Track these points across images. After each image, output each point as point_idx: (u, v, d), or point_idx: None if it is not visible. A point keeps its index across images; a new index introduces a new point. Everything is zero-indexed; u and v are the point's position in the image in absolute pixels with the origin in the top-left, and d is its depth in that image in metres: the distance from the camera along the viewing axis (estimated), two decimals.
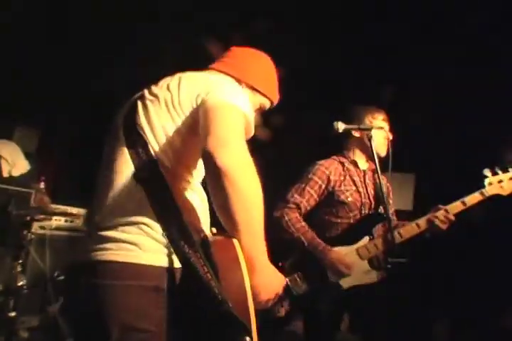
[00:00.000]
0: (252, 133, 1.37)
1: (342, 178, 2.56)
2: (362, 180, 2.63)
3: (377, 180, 2.42)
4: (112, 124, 1.45)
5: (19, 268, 3.04)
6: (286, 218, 2.47)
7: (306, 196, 2.51)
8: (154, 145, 1.30)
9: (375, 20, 3.72)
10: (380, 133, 2.56)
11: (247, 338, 1.07)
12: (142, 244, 1.23)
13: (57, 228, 3.65)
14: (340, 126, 2.32)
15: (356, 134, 2.61)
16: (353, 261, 2.42)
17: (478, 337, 3.32)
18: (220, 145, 1.16)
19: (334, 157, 2.67)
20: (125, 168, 1.31)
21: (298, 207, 2.50)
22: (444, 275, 3.63)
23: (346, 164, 2.63)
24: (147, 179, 1.26)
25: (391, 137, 2.57)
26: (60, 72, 4.12)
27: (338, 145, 2.73)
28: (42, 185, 3.55)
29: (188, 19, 3.80)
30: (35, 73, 4.07)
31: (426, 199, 2.83)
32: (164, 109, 1.33)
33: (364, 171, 2.66)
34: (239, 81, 1.57)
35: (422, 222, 2.48)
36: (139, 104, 1.39)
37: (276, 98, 1.71)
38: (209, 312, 1.11)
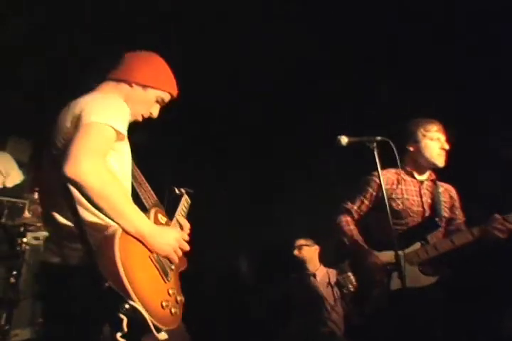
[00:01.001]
0: (125, 135, 1.66)
1: (394, 187, 2.68)
2: (417, 189, 2.71)
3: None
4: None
5: (13, 280, 3.01)
6: (337, 221, 2.70)
7: (358, 202, 2.71)
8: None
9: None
10: (435, 144, 2.66)
11: (127, 305, 1.36)
12: None
13: None
14: (343, 140, 2.33)
15: (411, 148, 2.72)
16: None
17: None
18: (66, 162, 1.44)
19: (391, 168, 2.76)
20: None
21: (349, 212, 2.71)
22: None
23: (402, 175, 2.74)
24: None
25: (447, 147, 2.66)
26: (55, 80, 4.12)
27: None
28: (35, 196, 3.53)
29: None
30: (27, 82, 4.07)
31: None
32: (60, 130, 1.64)
33: (421, 181, 2.75)
34: (129, 83, 1.82)
35: (477, 230, 2.50)
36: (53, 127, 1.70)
37: (172, 89, 1.93)
38: (93, 292, 1.40)
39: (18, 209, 3.41)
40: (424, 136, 2.67)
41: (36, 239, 3.48)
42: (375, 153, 2.28)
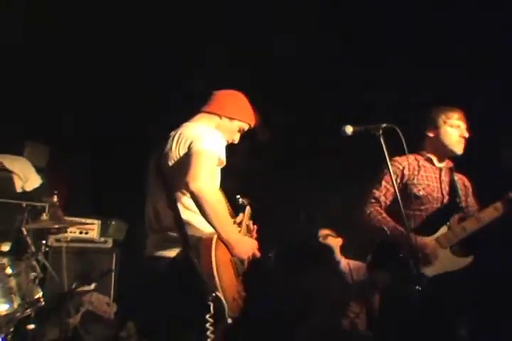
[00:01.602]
0: (224, 162, 2.14)
1: (416, 173, 2.69)
2: (437, 176, 2.73)
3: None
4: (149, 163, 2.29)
5: (37, 281, 3.07)
6: (368, 211, 2.64)
7: (384, 190, 2.67)
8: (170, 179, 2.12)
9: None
10: (455, 131, 2.68)
11: (214, 294, 1.83)
12: None
13: (73, 240, 3.69)
14: (348, 129, 2.31)
15: (430, 134, 2.73)
16: (435, 250, 2.49)
17: None
18: (191, 179, 1.92)
19: (410, 154, 2.75)
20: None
21: (377, 200, 2.67)
22: None
23: (421, 161, 2.75)
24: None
25: (467, 135, 2.68)
26: (70, 86, 4.17)
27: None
28: (55, 199, 3.59)
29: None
30: (45, 87, 4.13)
31: None
32: (173, 153, 2.12)
33: (440, 168, 2.76)
34: (219, 115, 2.31)
35: (500, 204, 2.55)
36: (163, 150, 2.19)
37: (251, 121, 2.42)
38: (194, 281, 1.86)
39: (38, 212, 3.47)
40: (444, 122, 2.68)
41: (58, 241, 3.55)
42: (382, 140, 2.25)
